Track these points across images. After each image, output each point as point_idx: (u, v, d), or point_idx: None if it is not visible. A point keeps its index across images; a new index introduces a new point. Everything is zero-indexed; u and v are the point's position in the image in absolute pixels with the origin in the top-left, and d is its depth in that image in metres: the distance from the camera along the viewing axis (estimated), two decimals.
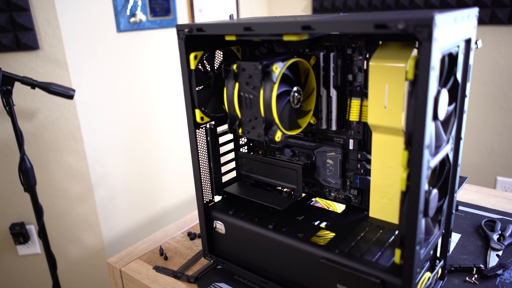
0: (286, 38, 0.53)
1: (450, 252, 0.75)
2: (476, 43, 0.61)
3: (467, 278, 0.68)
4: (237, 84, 0.59)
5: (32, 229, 1.46)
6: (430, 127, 0.44)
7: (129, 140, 1.52)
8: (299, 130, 0.62)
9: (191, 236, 0.86)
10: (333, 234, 0.63)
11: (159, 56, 1.56)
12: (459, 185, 1.02)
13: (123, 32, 1.41)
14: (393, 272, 0.52)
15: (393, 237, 0.61)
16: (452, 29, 0.45)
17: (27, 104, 1.31)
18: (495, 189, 1.53)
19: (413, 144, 0.44)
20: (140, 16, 1.45)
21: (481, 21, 1.46)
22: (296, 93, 0.59)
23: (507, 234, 0.79)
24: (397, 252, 0.52)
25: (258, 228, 0.66)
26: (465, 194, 0.98)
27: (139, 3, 1.44)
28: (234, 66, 0.58)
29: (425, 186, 0.47)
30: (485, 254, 0.75)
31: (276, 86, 0.55)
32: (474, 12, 0.52)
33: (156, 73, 1.56)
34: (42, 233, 1.21)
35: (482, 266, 0.70)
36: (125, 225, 1.57)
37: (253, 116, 0.58)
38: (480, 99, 1.55)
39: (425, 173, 0.46)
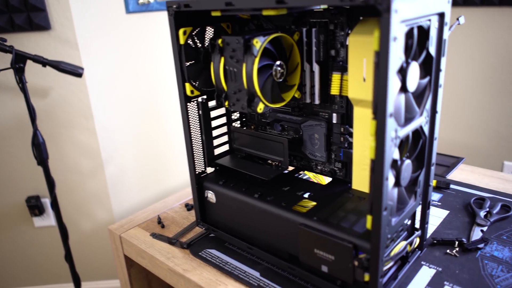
0: (265, 12, 0.55)
1: (436, 227, 0.77)
2: (457, 19, 0.62)
3: (448, 251, 0.70)
4: (222, 58, 0.62)
5: (47, 202, 1.54)
6: (393, 97, 0.46)
7: (138, 119, 1.57)
8: (283, 103, 0.65)
9: (188, 207, 0.90)
10: (314, 203, 0.66)
11: (166, 37, 1.59)
12: (455, 165, 1.03)
13: (131, 13, 1.45)
14: (365, 237, 0.55)
15: None
16: (419, 2, 0.47)
17: (40, 82, 1.37)
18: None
19: (378, 113, 0.46)
20: None
21: (488, 2, 1.43)
22: (278, 67, 0.62)
23: (494, 212, 0.80)
24: (369, 218, 0.55)
25: (245, 197, 0.69)
26: (459, 174, 0.99)
27: None
28: (219, 41, 0.61)
29: (391, 154, 0.49)
30: (470, 229, 0.76)
31: (257, 60, 0.58)
32: None
33: (164, 53, 1.60)
34: (55, 205, 1.28)
35: (464, 240, 0.72)
36: (134, 200, 1.63)
37: (238, 88, 0.61)
38: (487, 83, 1.54)
39: (389, 141, 0.48)
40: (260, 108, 0.61)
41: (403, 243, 0.62)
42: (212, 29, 0.70)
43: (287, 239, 0.65)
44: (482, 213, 0.80)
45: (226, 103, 0.64)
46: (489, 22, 1.46)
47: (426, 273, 0.65)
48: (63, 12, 1.29)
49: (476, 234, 0.75)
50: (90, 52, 1.38)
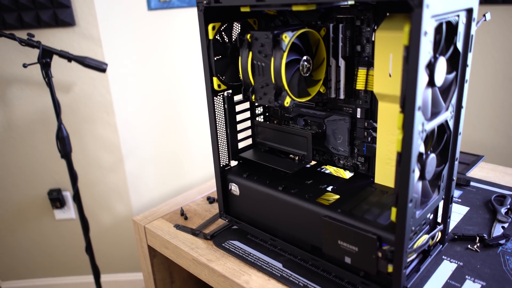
0: (294, 8, 0.57)
1: (457, 223, 0.78)
2: (484, 15, 0.63)
3: (469, 246, 0.71)
4: (250, 53, 0.63)
5: (68, 195, 1.57)
6: (421, 91, 0.47)
7: (158, 115, 1.60)
8: (309, 98, 0.66)
9: (210, 200, 0.92)
10: (338, 196, 0.67)
11: (187, 34, 1.62)
12: (475, 163, 1.03)
13: (153, 10, 1.48)
14: (389, 229, 0.56)
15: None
16: None
17: (64, 77, 1.40)
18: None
19: (406, 107, 0.47)
20: None
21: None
22: (305, 62, 0.63)
23: None
24: (393, 210, 0.56)
25: (269, 190, 0.70)
26: (479, 171, 0.99)
27: None
28: (248, 36, 0.62)
29: (418, 147, 0.50)
30: (490, 225, 0.77)
31: (285, 54, 0.59)
32: None
33: (185, 50, 1.62)
34: (77, 198, 1.31)
35: (485, 235, 0.72)
36: (153, 195, 1.66)
37: (265, 83, 0.63)
38: (508, 81, 1.53)
39: (417, 134, 0.49)
40: (287, 102, 0.62)
41: (426, 236, 0.62)
42: (239, 25, 0.72)
43: (311, 230, 0.66)
44: (503, 210, 0.80)
45: (253, 97, 0.66)
46: (509, 20, 1.45)
47: (447, 267, 0.66)
48: (88, 8, 1.32)
49: (497, 230, 0.75)
50: (112, 48, 1.41)
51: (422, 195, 0.58)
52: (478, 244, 0.71)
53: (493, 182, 0.93)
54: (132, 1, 1.41)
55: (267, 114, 0.83)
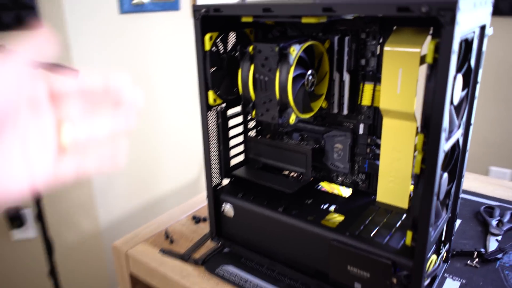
0: (304, 20, 0.53)
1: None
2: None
3: (468, 262, 0.70)
4: (252, 66, 0.59)
5: (28, 213, 1.45)
6: (447, 111, 0.45)
7: None
8: (312, 114, 0.63)
9: (196, 219, 0.86)
10: (342, 217, 0.64)
11: (161, 39, 1.55)
12: None
13: (126, 14, 1.40)
14: (404, 254, 0.54)
15: (400, 220, 0.62)
16: (471, 15, 0.46)
17: None
18: None
19: (431, 127, 0.45)
20: None
21: None
22: (310, 76, 0.60)
23: (505, 220, 0.81)
24: (409, 234, 0.53)
25: (267, 211, 0.66)
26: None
27: None
28: (250, 48, 0.58)
29: (440, 169, 0.48)
30: (484, 239, 0.77)
31: (292, 69, 0.55)
32: None
33: (158, 56, 1.55)
34: (41, 217, 1.20)
35: (482, 250, 0.72)
36: (122, 209, 1.56)
37: (268, 98, 0.59)
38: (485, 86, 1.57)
39: (442, 156, 0.47)
40: (293, 119, 0.59)
41: (434, 258, 0.61)
42: (234, 34, 0.68)
43: (315, 254, 0.62)
44: (494, 222, 0.81)
45: (253, 113, 0.61)
46: None
47: (451, 285, 0.65)
48: (55, 11, 1.23)
49: (492, 243, 0.75)
50: (82, 53, 1.31)
51: (435, 216, 0.56)
52: (477, 259, 0.71)
53: (479, 192, 0.94)
54: (102, 4, 1.33)
55: (259, 128, 0.79)
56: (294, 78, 0.57)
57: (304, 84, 0.59)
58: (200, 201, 0.95)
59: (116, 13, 1.36)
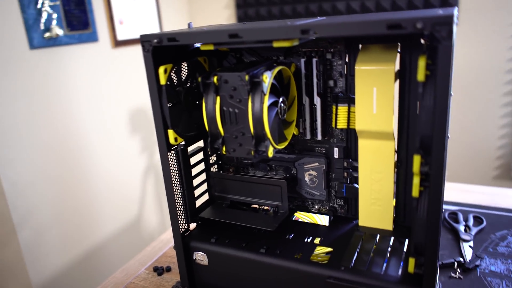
0: (276, 44, 0.48)
1: None
2: None
3: (452, 274, 0.69)
4: (218, 98, 0.53)
5: None
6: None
7: (54, 169, 1.35)
8: (287, 143, 0.58)
9: (159, 271, 0.76)
10: (330, 249, 0.59)
11: (80, 74, 1.41)
12: None
13: (37, 49, 1.25)
14: (409, 282, 0.50)
15: (390, 245, 0.59)
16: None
17: None
18: None
19: (434, 147, 0.42)
20: (56, 30, 1.30)
21: None
22: (282, 104, 0.55)
23: (470, 224, 0.82)
24: (411, 260, 0.50)
25: (248, 254, 0.60)
26: None
27: (54, 16, 1.29)
28: (215, 78, 0.52)
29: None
30: (458, 247, 0.77)
31: (267, 97, 0.50)
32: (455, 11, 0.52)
33: (79, 91, 1.41)
34: None
35: (461, 259, 0.71)
36: (56, 265, 1.38)
37: (240, 132, 0.53)
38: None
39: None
40: (271, 152, 0.53)
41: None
42: (186, 64, 0.61)
43: None
44: (462, 228, 0.81)
45: (224, 150, 0.55)
46: None
47: None
48: None
49: (467, 250, 0.75)
50: None
51: None
52: (459, 270, 0.70)
53: None
54: (9, 39, 1.18)
55: (219, 162, 0.72)
56: (267, 107, 0.52)
57: (278, 113, 0.54)
58: (157, 249, 0.85)
59: (26, 48, 1.22)
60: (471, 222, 0.83)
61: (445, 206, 0.91)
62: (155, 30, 1.74)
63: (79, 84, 1.40)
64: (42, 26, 1.26)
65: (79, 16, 1.37)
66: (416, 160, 0.45)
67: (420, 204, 0.47)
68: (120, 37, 1.57)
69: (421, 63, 0.42)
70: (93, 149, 1.48)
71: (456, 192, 0.98)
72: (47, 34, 1.28)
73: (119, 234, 1.61)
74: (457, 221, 0.85)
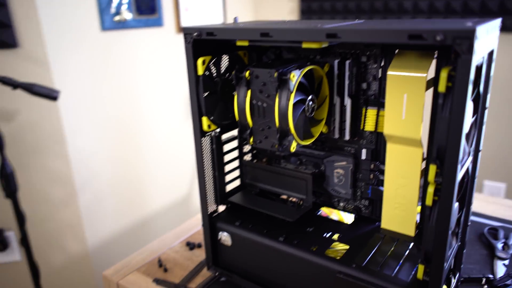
0: (305, 45, 0.50)
1: None
2: None
3: None
4: (249, 92, 0.56)
5: (12, 236, 1.39)
6: (463, 143, 0.42)
7: (115, 142, 1.47)
8: (312, 140, 0.60)
9: (191, 246, 0.82)
10: (347, 246, 0.61)
11: (144, 56, 1.51)
12: None
13: (107, 31, 1.36)
14: None
15: (408, 249, 0.59)
16: (484, 41, 0.43)
17: (6, 104, 1.24)
18: (481, 193, 1.55)
19: (447, 159, 0.42)
20: (125, 14, 1.39)
21: None
22: (310, 102, 0.57)
23: (510, 243, 0.79)
24: (420, 267, 0.50)
25: (267, 240, 0.63)
26: None
27: (125, 0, 1.38)
28: (247, 73, 0.55)
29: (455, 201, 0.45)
30: (491, 263, 0.74)
31: (293, 95, 0.52)
32: (498, 23, 0.50)
33: (142, 72, 1.51)
34: (25, 241, 1.15)
35: (491, 276, 0.69)
36: (111, 230, 1.51)
37: (266, 125, 0.56)
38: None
39: (457, 189, 0.44)
40: (294, 147, 0.55)
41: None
42: (227, 57, 0.64)
43: (319, 287, 0.59)
44: (499, 245, 0.78)
45: (251, 140, 0.58)
46: None
47: None
48: (33, 28, 1.18)
49: (500, 268, 0.72)
50: (62, 72, 1.27)
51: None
52: (486, 286, 0.68)
53: (480, 212, 0.92)
54: (84, 21, 1.29)
55: (254, 152, 0.76)
56: (294, 104, 0.54)
57: (305, 110, 0.56)
58: (193, 225, 0.91)
59: (97, 30, 1.32)
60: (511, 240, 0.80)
61: (487, 221, 0.88)
62: (219, 19, 1.79)
63: (142, 65, 1.50)
64: (113, 10, 1.36)
65: (147, 1, 1.46)
66: (432, 169, 0.46)
67: (432, 213, 0.47)
68: (184, 23, 1.64)
69: (443, 74, 0.42)
70: (150, 127, 1.57)
71: (502, 208, 0.93)
72: (117, 18, 1.38)
73: (167, 207, 1.71)
74: (496, 237, 0.81)
